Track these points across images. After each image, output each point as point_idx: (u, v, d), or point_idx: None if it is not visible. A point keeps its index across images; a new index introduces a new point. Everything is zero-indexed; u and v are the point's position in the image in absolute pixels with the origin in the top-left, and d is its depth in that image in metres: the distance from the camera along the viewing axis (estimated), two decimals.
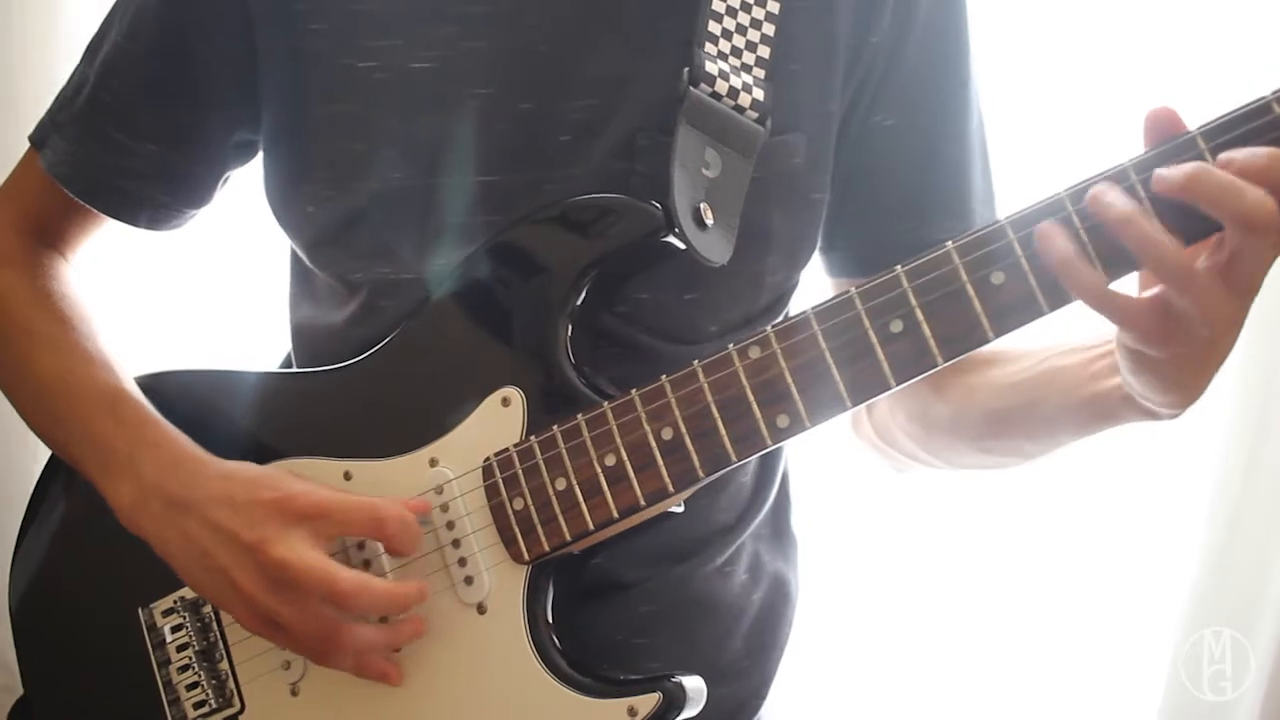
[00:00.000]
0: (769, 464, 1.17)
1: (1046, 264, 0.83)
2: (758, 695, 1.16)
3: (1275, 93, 0.80)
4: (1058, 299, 0.85)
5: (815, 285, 1.18)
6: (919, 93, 1.10)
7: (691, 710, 0.97)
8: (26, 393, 1.13)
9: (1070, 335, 1.00)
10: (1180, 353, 0.84)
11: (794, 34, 1.04)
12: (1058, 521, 1.82)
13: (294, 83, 1.06)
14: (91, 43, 1.14)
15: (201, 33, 1.07)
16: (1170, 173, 0.79)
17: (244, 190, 1.18)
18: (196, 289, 1.88)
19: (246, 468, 1.01)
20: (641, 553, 1.07)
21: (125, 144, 1.11)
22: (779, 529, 1.19)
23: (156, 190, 1.13)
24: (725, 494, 1.12)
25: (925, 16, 1.08)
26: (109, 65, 1.11)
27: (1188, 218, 0.80)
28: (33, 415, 1.13)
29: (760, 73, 1.03)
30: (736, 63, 1.02)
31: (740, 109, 1.01)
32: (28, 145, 1.17)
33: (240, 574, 0.95)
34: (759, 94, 1.01)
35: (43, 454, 1.18)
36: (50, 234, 1.18)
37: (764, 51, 1.03)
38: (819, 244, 1.14)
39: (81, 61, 1.14)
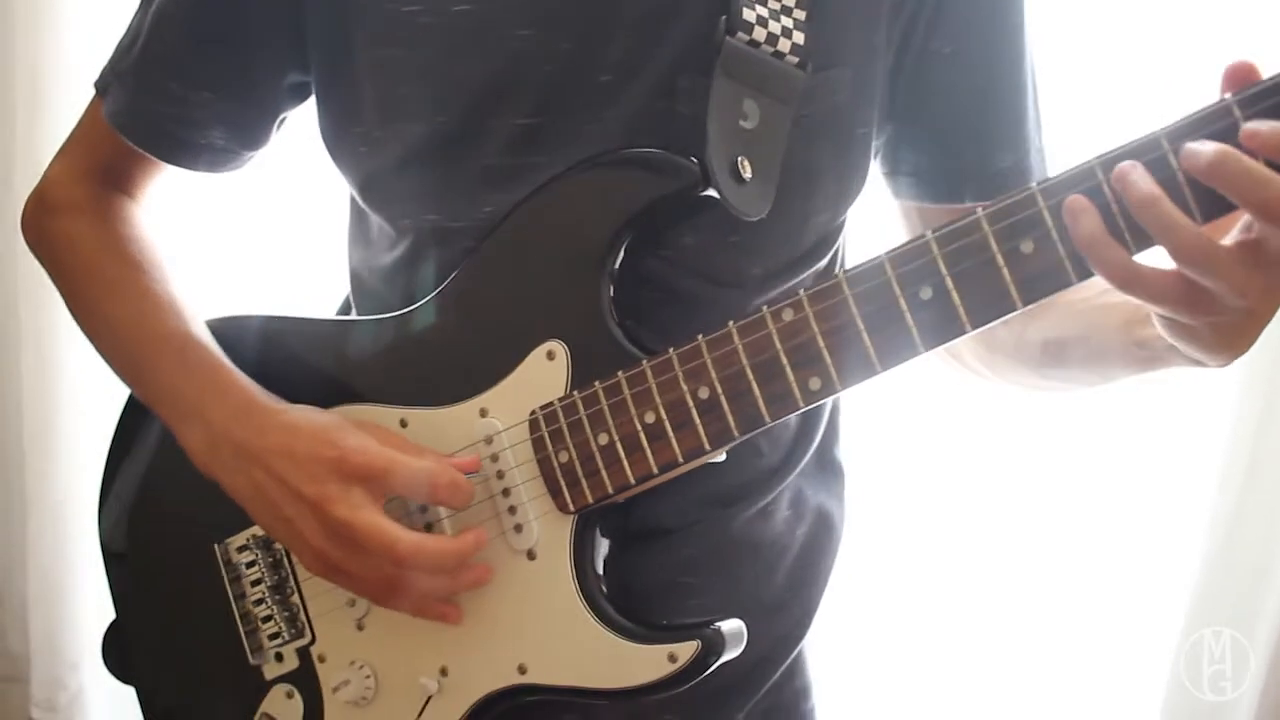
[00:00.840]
0: (812, 412, 1.18)
1: (1073, 240, 0.84)
2: (800, 626, 1.20)
3: None
4: (1086, 270, 0.86)
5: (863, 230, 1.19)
6: (976, 21, 1.09)
7: (732, 653, 1.01)
8: (100, 338, 1.18)
9: None
10: (1215, 321, 0.84)
11: None
12: (1060, 519, 1.84)
13: (340, 27, 1.08)
14: None
15: None
16: (1198, 152, 0.78)
17: (302, 132, 1.21)
18: (259, 230, 1.92)
19: (309, 419, 1.05)
20: (686, 499, 1.10)
21: (179, 93, 1.13)
22: (824, 461, 1.22)
23: (214, 135, 1.16)
24: (769, 438, 1.14)
25: None
26: (161, 14, 1.13)
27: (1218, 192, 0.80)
28: (110, 358, 1.18)
29: (801, 14, 1.02)
30: (777, 5, 1.01)
31: (780, 54, 1.01)
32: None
33: (304, 525, 1.00)
34: (799, 37, 1.01)
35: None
36: (118, 179, 1.22)
37: None
38: (884, 169, 1.14)
39: (138, 11, 1.17)
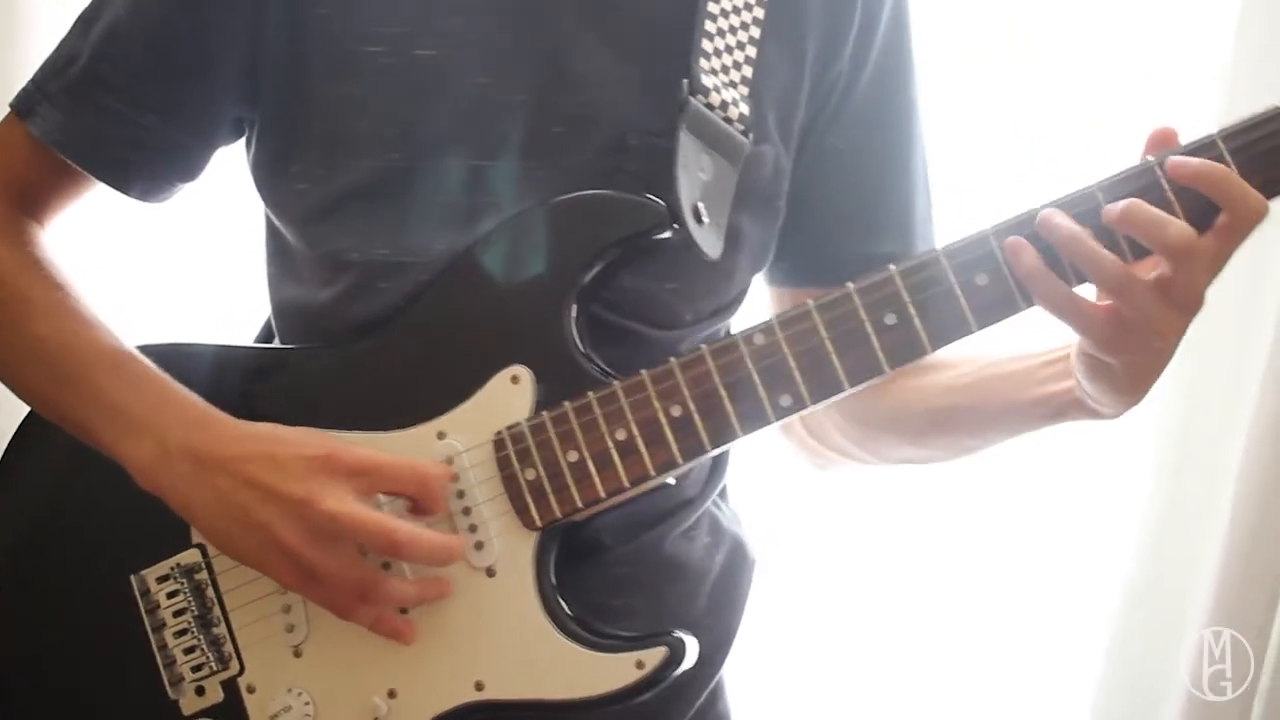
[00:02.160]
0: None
1: (1016, 274, 0.97)
2: (719, 651, 1.25)
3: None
4: (1030, 299, 0.99)
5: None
6: (870, 120, 1.21)
7: (688, 664, 1.06)
8: (20, 359, 1.14)
9: (1012, 343, 1.13)
10: (1132, 360, 0.99)
11: (770, 57, 1.14)
12: (1059, 518, 1.92)
13: (296, 62, 1.10)
14: (83, 16, 1.15)
15: (210, 9, 1.10)
16: (1111, 205, 0.95)
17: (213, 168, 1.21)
18: (164, 263, 1.86)
19: (275, 427, 1.05)
20: (619, 518, 1.14)
21: (126, 114, 1.13)
22: (728, 496, 1.30)
23: (154, 160, 1.15)
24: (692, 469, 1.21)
25: (880, 49, 1.20)
26: (109, 36, 1.12)
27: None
28: (26, 382, 1.14)
29: (744, 90, 1.12)
30: (725, 79, 1.11)
31: (729, 120, 1.11)
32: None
33: (282, 527, 0.99)
34: (744, 109, 1.11)
35: None
36: (30, 201, 1.19)
37: (747, 71, 1.12)
38: None
39: (71, 34, 1.15)
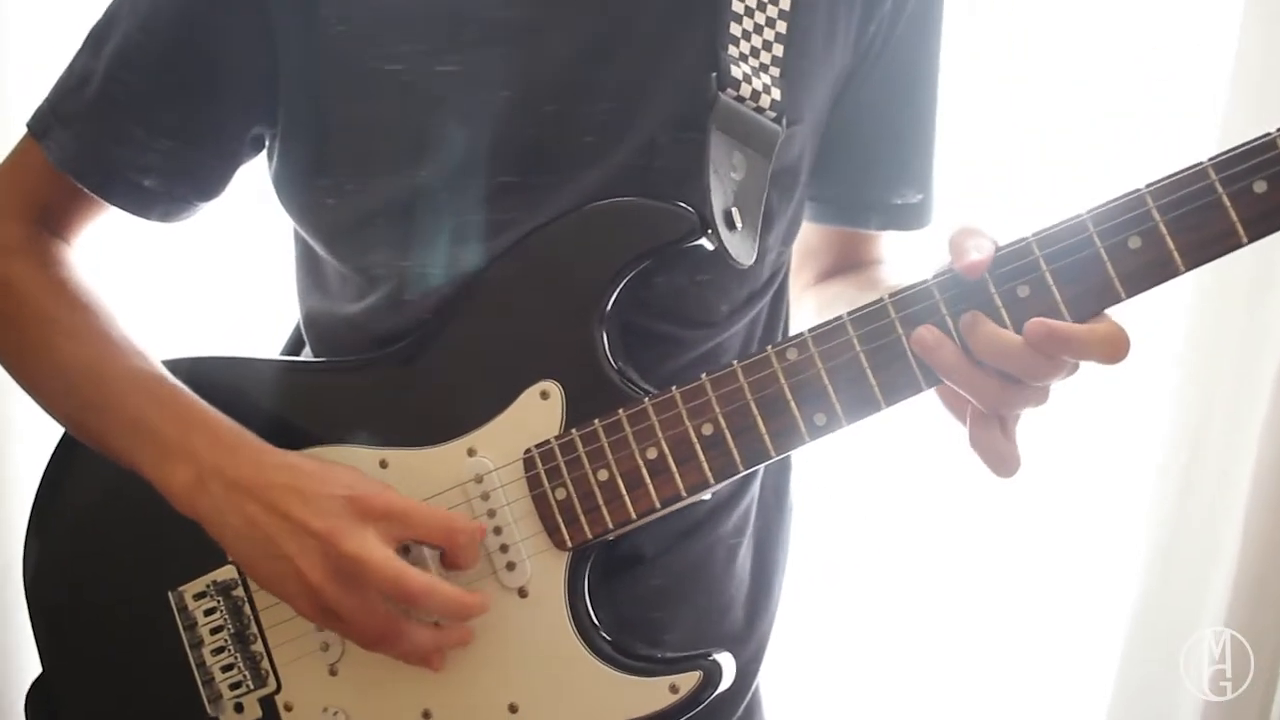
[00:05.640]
0: None
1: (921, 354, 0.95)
2: (755, 661, 1.23)
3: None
4: (1080, 311, 0.93)
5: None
6: (898, 76, 1.19)
7: (724, 685, 1.04)
8: (50, 382, 1.13)
9: None
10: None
11: (803, 29, 1.10)
12: (1060, 519, 1.93)
13: (315, 81, 1.08)
14: (95, 32, 1.13)
15: (222, 30, 1.07)
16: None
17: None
18: (189, 275, 1.87)
19: (310, 461, 1.03)
20: (653, 531, 1.12)
21: (142, 139, 1.11)
22: (779, 496, 1.26)
23: (172, 184, 1.14)
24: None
25: (914, 4, 1.16)
26: (121, 58, 1.10)
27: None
28: (58, 404, 1.13)
29: (776, 71, 1.08)
30: (755, 63, 1.07)
31: (761, 110, 1.06)
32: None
33: (305, 562, 0.98)
34: (777, 94, 1.07)
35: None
36: (54, 221, 1.18)
37: (778, 50, 1.08)
38: None
39: (84, 51, 1.13)
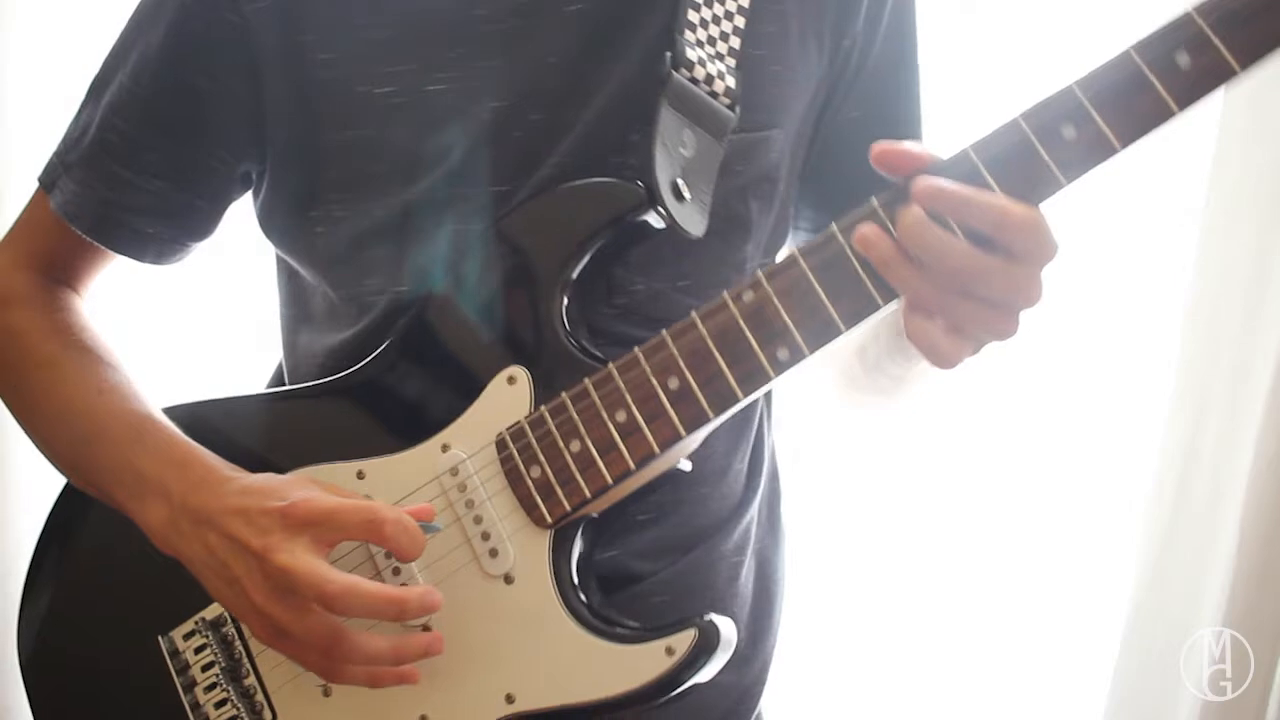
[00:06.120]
0: (758, 455, 1.22)
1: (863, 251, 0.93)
2: (759, 682, 1.20)
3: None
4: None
5: None
6: (882, 86, 1.18)
7: (724, 653, 1.00)
8: (48, 424, 1.15)
9: None
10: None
11: (770, 32, 1.11)
12: (1056, 519, 1.91)
13: (303, 112, 1.09)
14: (96, 82, 1.16)
15: (206, 71, 1.10)
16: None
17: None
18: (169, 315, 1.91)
19: (264, 480, 1.03)
20: (650, 545, 1.12)
21: (131, 181, 1.13)
22: (773, 520, 1.25)
23: (163, 225, 1.16)
24: (724, 483, 1.17)
25: (890, 14, 1.17)
26: (115, 106, 1.13)
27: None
28: (55, 447, 1.14)
29: (731, 62, 1.09)
30: (712, 51, 1.08)
31: (714, 94, 1.07)
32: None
33: (250, 583, 0.97)
34: (731, 82, 1.08)
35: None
36: (61, 271, 1.21)
37: (735, 42, 1.09)
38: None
39: (87, 102, 1.17)
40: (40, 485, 1.93)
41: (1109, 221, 1.77)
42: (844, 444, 1.94)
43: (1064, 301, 1.79)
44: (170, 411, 1.13)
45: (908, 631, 1.97)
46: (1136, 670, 1.82)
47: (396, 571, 1.04)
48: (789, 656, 1.30)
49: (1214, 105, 1.71)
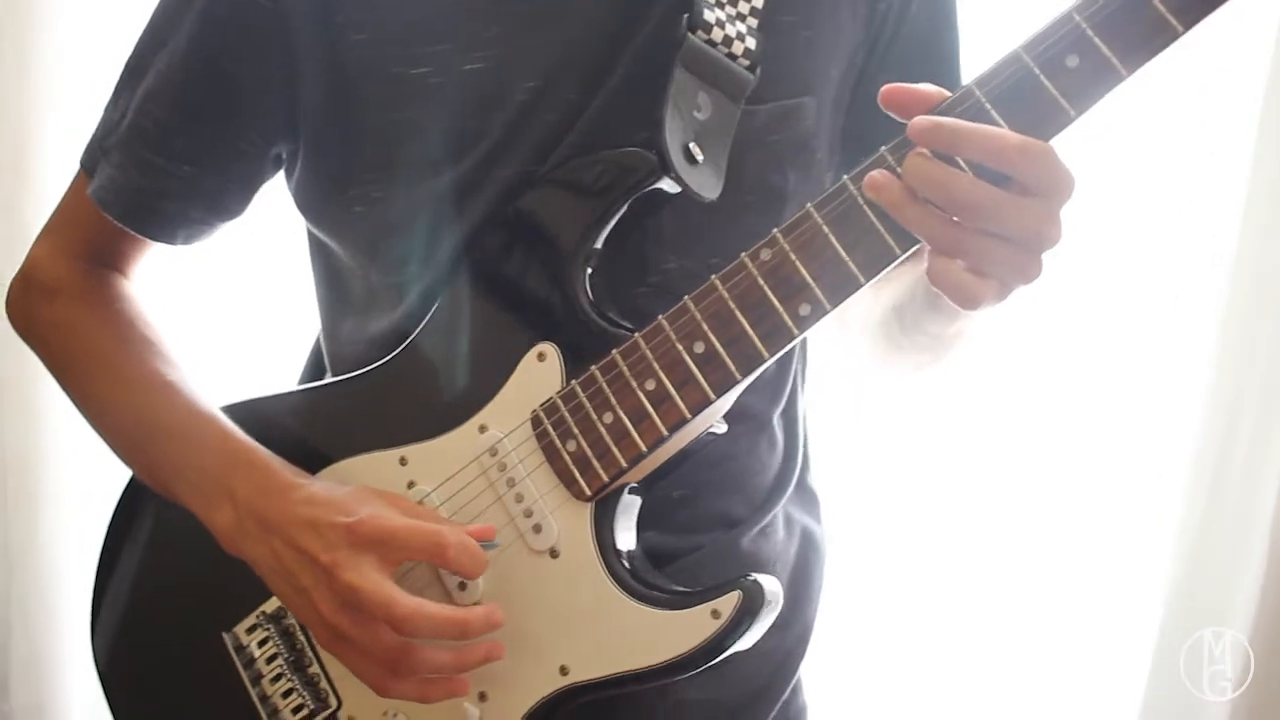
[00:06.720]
0: (791, 435, 1.24)
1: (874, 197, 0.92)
2: (800, 643, 1.21)
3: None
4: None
5: None
6: (920, 55, 1.16)
7: (770, 613, 1.00)
8: (109, 423, 1.17)
9: None
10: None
11: None
12: (1070, 518, 1.90)
13: (338, 94, 1.09)
14: (131, 65, 1.16)
15: (237, 55, 1.10)
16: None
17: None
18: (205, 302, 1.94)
19: (329, 491, 1.04)
20: (691, 523, 1.14)
21: (164, 167, 1.14)
22: (802, 487, 1.25)
23: (192, 208, 1.16)
24: (758, 472, 1.19)
25: None
26: (149, 91, 1.13)
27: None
28: (119, 443, 1.17)
29: (753, 21, 1.07)
30: (732, 11, 1.07)
31: (733, 56, 1.06)
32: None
33: (317, 594, 0.99)
34: (751, 43, 1.06)
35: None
36: (107, 256, 1.22)
37: (758, 2, 1.08)
38: None
39: (124, 87, 1.16)
40: (36, 485, 1.98)
41: (1145, 221, 1.74)
42: (882, 450, 1.95)
43: (1099, 303, 1.79)
44: (231, 409, 1.15)
45: (941, 633, 1.98)
46: (1169, 673, 1.81)
47: (463, 586, 1.06)
48: (825, 648, 1.32)
49: (1253, 106, 1.67)
